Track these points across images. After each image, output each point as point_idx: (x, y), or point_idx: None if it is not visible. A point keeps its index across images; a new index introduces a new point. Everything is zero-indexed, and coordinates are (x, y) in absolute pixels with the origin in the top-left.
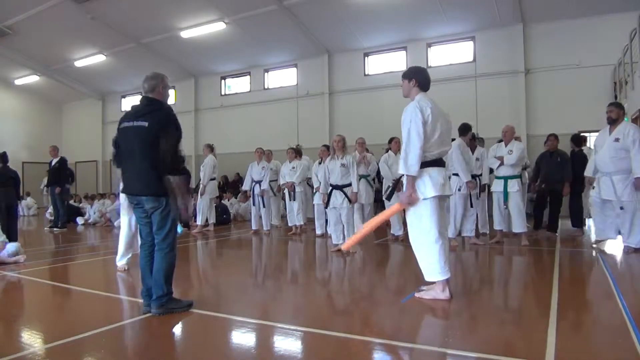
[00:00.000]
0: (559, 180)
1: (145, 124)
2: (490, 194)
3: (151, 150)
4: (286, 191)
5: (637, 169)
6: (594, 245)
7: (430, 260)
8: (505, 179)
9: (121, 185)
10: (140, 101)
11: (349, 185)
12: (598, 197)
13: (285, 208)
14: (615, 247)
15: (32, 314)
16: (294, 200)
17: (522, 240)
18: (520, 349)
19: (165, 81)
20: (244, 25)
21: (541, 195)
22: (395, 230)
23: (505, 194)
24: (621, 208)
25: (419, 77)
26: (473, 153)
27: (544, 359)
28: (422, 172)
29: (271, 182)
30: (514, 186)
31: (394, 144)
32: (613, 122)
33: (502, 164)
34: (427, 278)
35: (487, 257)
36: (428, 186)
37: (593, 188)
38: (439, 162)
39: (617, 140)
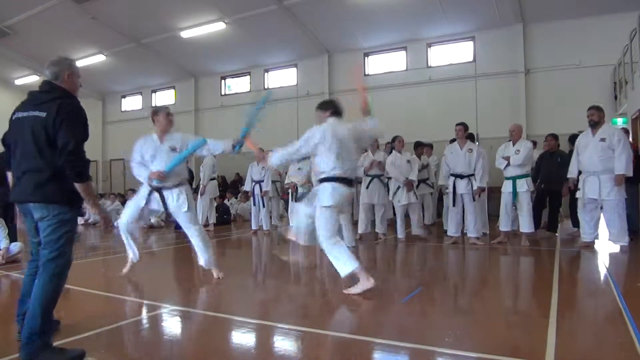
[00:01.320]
0: (558, 181)
1: (43, 114)
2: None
3: (48, 146)
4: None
5: (619, 167)
6: (582, 247)
7: (339, 257)
8: (514, 179)
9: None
10: (40, 87)
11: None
12: (584, 198)
13: (286, 209)
14: (611, 247)
15: None
16: (296, 201)
17: (522, 241)
18: (520, 349)
19: (72, 68)
20: (244, 25)
21: (541, 195)
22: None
23: (514, 194)
24: (600, 207)
25: (333, 108)
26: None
27: (544, 359)
28: (327, 184)
29: (276, 183)
30: (522, 186)
31: (397, 143)
32: (595, 124)
33: (509, 164)
34: (342, 274)
35: (487, 257)
36: (326, 196)
37: (578, 189)
38: (343, 181)
39: (603, 140)
